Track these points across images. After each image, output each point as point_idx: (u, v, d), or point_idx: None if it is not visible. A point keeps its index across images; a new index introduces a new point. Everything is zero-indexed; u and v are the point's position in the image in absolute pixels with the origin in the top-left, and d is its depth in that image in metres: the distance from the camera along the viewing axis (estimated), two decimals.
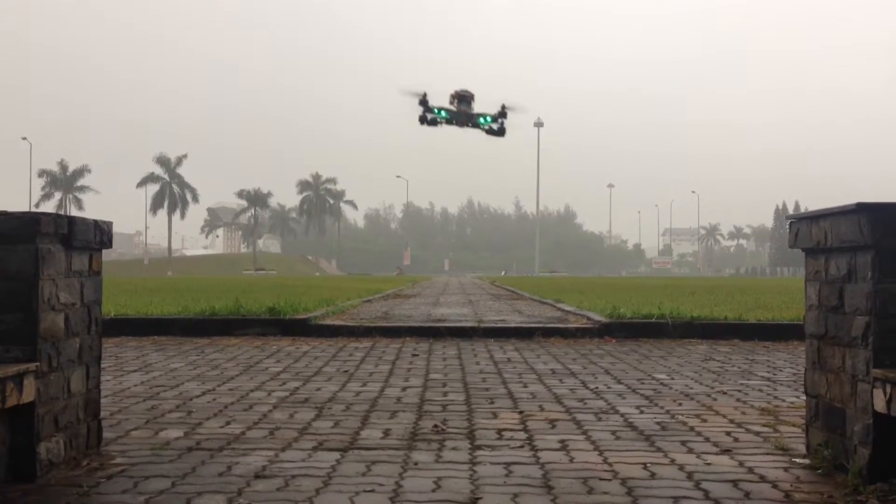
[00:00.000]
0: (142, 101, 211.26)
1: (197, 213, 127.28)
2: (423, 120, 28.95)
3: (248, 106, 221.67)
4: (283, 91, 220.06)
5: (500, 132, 29.35)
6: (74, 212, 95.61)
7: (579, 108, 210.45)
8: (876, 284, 2.82)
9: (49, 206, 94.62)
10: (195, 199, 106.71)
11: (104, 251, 3.51)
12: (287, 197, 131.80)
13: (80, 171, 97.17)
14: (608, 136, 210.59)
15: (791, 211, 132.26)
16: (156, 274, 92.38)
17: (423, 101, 28.56)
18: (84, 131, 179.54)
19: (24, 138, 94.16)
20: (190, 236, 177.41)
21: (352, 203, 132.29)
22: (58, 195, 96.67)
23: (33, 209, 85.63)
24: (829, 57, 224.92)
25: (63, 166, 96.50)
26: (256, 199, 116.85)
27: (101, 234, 3.35)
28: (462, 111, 28.63)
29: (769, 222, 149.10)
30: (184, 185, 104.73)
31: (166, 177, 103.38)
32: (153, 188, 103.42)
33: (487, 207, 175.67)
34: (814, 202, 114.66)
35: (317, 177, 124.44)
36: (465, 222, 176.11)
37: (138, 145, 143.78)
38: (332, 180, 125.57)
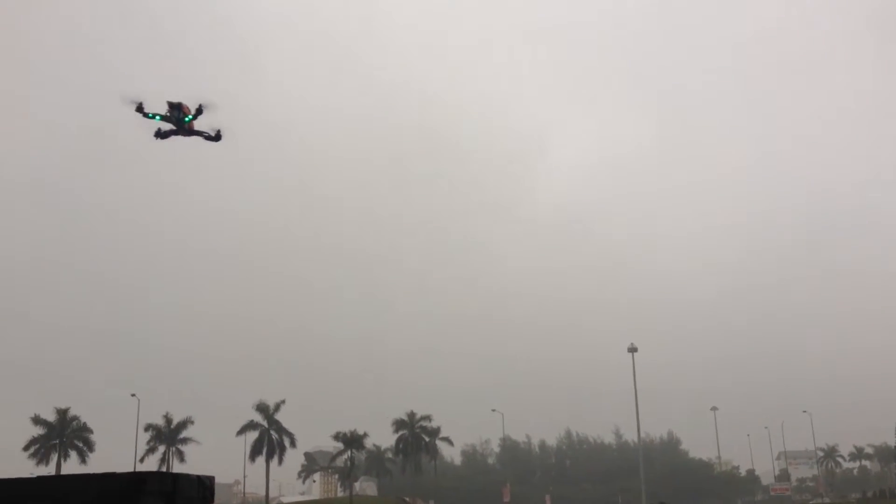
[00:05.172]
0: (239, 355, 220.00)
1: (294, 458, 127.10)
2: (157, 134, 28.75)
3: (343, 348, 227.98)
4: (377, 340, 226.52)
5: (217, 138, 29.09)
6: (176, 464, 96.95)
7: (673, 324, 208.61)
8: None
9: (153, 460, 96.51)
10: (293, 444, 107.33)
11: None
12: (382, 437, 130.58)
13: (184, 424, 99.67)
14: (706, 356, 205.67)
15: None
16: None
17: (140, 108, 28.26)
18: (188, 381, 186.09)
19: (133, 395, 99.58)
20: (287, 482, 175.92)
21: (447, 440, 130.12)
22: (161, 448, 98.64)
23: (138, 464, 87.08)
24: None
25: (168, 419, 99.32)
26: (352, 441, 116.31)
27: (203, 490, 3.22)
28: (173, 115, 28.37)
29: (892, 441, 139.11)
30: (282, 430, 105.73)
31: (265, 423, 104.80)
32: (252, 435, 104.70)
33: (586, 437, 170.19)
34: None
35: (412, 415, 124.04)
36: (563, 454, 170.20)
37: (236, 394, 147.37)
38: (427, 417, 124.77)
